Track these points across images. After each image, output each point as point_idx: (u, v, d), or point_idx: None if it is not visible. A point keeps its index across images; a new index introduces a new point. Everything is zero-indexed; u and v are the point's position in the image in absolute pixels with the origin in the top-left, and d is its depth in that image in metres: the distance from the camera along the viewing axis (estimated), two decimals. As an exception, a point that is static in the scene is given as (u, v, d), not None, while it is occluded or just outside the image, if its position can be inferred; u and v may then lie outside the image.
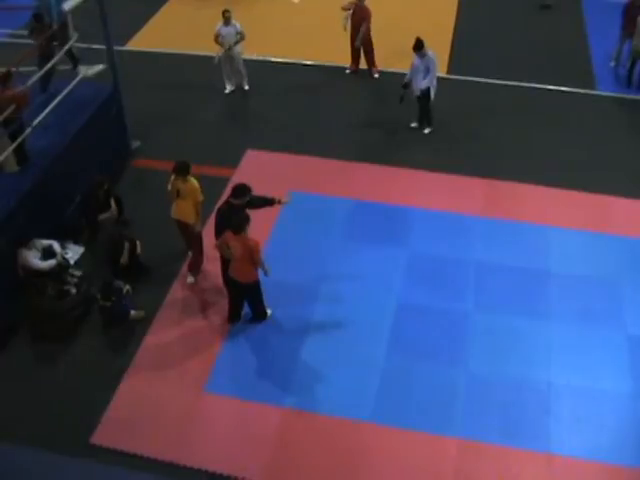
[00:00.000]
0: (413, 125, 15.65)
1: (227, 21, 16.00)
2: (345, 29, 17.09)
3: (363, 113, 16.29)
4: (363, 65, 17.70)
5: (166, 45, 18.50)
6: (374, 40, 17.14)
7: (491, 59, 18.32)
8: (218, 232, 10.96)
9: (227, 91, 16.99)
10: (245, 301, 11.17)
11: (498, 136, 15.46)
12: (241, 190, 10.83)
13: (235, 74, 16.91)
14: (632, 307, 11.53)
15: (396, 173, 14.29)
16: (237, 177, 13.73)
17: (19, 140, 11.60)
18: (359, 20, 16.88)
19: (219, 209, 11.20)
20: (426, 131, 15.53)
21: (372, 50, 17.39)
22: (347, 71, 17.75)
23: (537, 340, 11.04)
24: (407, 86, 15.02)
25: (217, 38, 16.15)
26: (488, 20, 20.27)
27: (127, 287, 11.30)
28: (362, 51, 17.43)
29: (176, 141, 15.18)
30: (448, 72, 17.48)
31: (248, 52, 17.21)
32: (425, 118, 15.49)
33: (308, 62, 18.13)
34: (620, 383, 10.43)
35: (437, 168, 14.41)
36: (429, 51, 14.64)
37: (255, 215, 10.91)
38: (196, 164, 14.12)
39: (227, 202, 11.03)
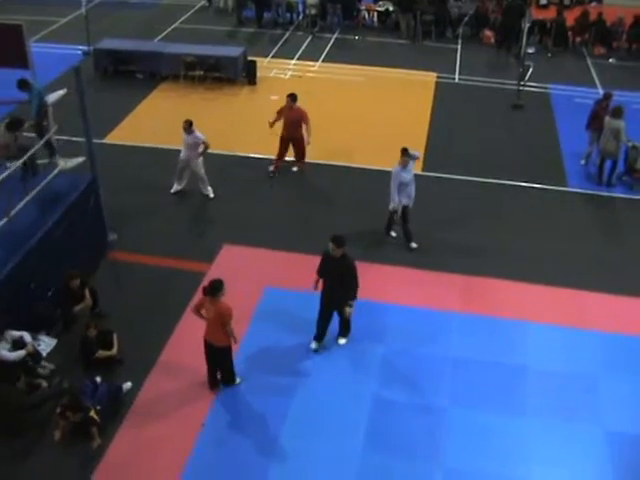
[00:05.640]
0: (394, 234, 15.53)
1: (186, 130, 15.84)
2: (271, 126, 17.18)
3: (338, 209, 16.40)
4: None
5: (144, 139, 18.68)
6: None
7: (465, 156, 18.69)
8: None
9: (172, 191, 16.64)
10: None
11: (472, 233, 15.61)
12: (340, 239, 11.54)
13: (197, 180, 16.58)
14: (609, 403, 11.50)
15: (371, 269, 14.17)
16: (213, 271, 13.70)
17: None
18: (295, 122, 16.89)
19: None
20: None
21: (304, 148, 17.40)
22: (270, 168, 17.57)
23: (514, 436, 10.93)
24: None
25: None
26: (462, 119, 20.81)
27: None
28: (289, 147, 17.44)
29: (152, 235, 15.16)
30: (423, 169, 17.72)
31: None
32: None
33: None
34: (599, 481, 10.32)
35: (412, 265, 14.51)
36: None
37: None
38: (172, 258, 14.29)
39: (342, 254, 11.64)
